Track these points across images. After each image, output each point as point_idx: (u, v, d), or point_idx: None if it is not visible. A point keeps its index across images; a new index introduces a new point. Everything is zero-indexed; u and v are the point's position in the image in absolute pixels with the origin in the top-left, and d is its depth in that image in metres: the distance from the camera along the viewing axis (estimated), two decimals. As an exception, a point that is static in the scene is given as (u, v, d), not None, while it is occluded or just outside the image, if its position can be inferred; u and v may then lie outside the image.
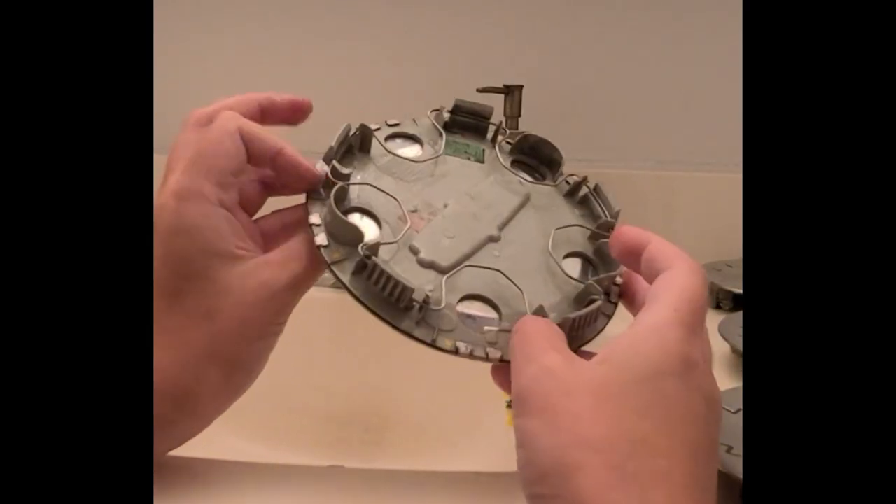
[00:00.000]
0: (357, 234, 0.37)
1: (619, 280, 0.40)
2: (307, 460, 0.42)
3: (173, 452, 0.39)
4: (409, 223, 0.39)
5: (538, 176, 0.45)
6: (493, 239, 0.40)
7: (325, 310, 0.47)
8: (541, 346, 0.32)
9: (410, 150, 0.44)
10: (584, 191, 0.44)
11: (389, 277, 0.35)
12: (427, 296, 0.36)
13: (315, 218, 0.38)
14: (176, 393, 0.36)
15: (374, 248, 0.37)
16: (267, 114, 0.40)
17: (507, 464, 0.31)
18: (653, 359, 0.30)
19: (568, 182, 0.45)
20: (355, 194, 0.40)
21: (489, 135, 0.46)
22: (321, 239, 0.37)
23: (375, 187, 0.40)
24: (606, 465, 0.28)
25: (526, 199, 0.43)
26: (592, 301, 0.38)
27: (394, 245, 0.38)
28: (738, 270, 0.78)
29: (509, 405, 0.39)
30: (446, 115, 0.45)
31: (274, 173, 0.40)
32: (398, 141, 0.44)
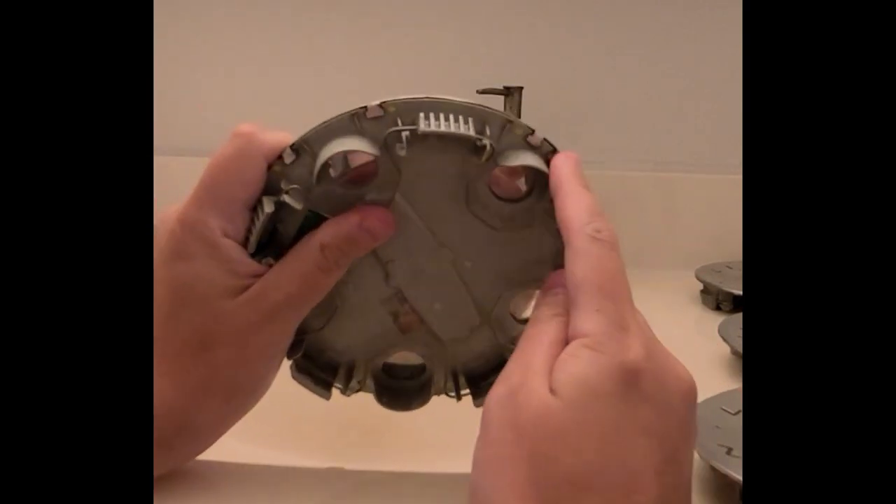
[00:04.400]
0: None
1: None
2: (306, 461, 0.42)
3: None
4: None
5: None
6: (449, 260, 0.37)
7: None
8: (520, 362, 0.30)
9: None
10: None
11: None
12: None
13: None
14: (175, 420, 0.35)
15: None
16: None
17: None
18: (589, 382, 0.28)
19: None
20: None
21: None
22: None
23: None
24: None
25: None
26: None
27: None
28: (738, 272, 0.78)
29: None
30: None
31: None
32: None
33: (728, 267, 0.79)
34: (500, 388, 0.30)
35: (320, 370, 0.40)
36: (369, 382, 0.40)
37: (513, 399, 0.29)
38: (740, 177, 0.32)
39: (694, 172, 0.89)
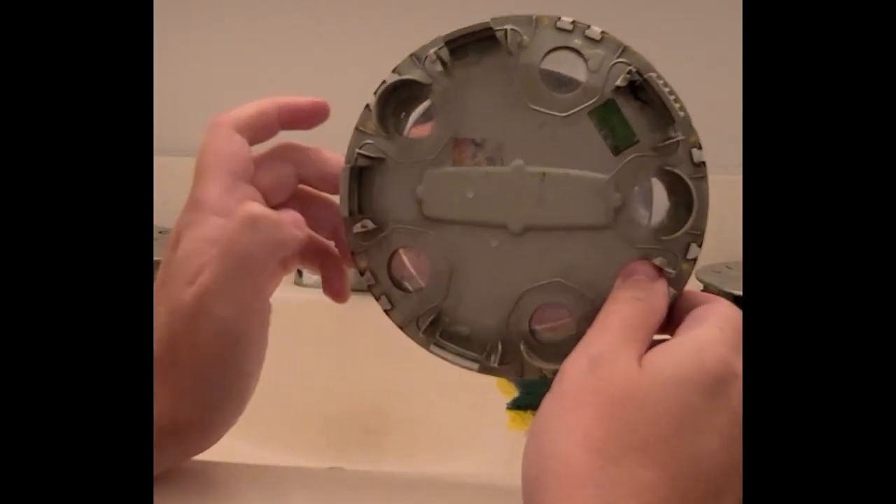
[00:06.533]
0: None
1: None
2: (306, 462, 0.42)
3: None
4: (452, 150, 0.36)
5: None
6: (505, 229, 0.35)
7: (325, 310, 0.47)
8: (600, 334, 0.32)
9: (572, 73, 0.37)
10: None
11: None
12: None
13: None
14: (163, 420, 0.35)
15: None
16: (284, 119, 0.39)
17: (507, 466, 0.31)
18: (686, 368, 0.30)
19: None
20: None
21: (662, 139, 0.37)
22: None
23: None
24: (590, 464, 0.28)
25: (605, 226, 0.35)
26: None
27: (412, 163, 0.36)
28: (738, 272, 0.77)
29: (509, 407, 0.39)
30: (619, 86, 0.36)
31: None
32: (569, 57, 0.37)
33: (728, 267, 0.79)
34: (579, 356, 0.31)
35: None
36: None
37: (595, 368, 0.30)
38: (740, 177, 0.32)
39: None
